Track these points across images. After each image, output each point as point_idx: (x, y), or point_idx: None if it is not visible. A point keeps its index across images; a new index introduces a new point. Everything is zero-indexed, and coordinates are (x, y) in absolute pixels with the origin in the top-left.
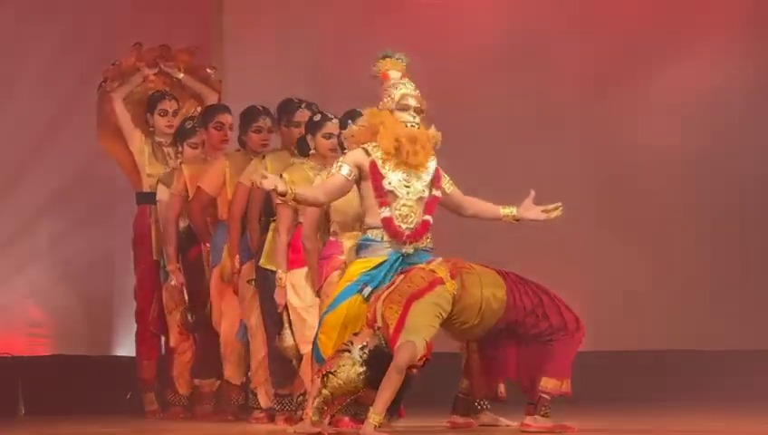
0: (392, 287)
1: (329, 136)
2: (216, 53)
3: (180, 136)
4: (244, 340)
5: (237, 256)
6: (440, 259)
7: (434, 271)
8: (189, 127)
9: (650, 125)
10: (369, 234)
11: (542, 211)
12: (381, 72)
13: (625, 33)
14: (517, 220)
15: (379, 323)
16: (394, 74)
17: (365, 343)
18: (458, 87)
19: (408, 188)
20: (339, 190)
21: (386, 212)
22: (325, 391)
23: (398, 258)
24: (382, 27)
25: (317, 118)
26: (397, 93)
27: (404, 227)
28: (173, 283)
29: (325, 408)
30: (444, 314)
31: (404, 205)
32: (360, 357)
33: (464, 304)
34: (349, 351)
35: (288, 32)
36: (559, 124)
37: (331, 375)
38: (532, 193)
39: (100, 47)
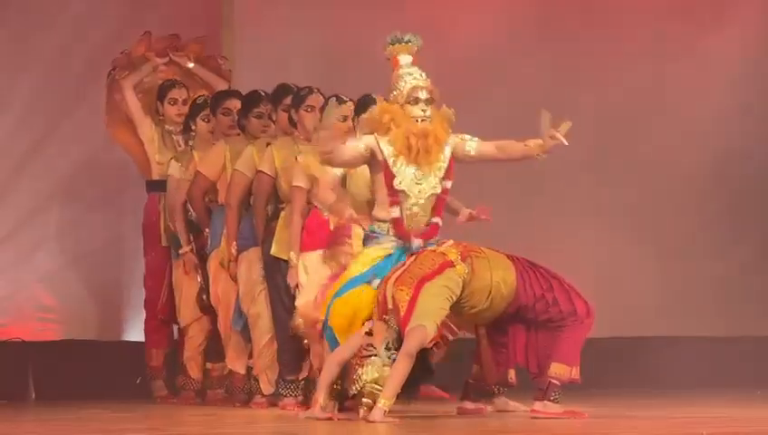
0: (402, 269)
1: (344, 119)
2: (227, 41)
3: (194, 111)
4: (237, 327)
5: (234, 243)
6: (451, 241)
7: (444, 253)
8: (201, 102)
9: (664, 113)
10: (377, 226)
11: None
12: (392, 58)
13: (647, 18)
14: (543, 154)
15: (390, 306)
16: (404, 59)
17: (387, 342)
18: (472, 69)
19: (420, 186)
20: (353, 159)
21: (395, 212)
22: (365, 400)
23: (403, 253)
24: (395, 14)
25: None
26: (406, 86)
27: (414, 228)
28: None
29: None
30: (454, 297)
31: (414, 204)
32: (389, 358)
33: (473, 287)
34: (376, 355)
35: (299, 20)
36: (572, 109)
37: (366, 384)
38: (545, 114)
39: (111, 35)
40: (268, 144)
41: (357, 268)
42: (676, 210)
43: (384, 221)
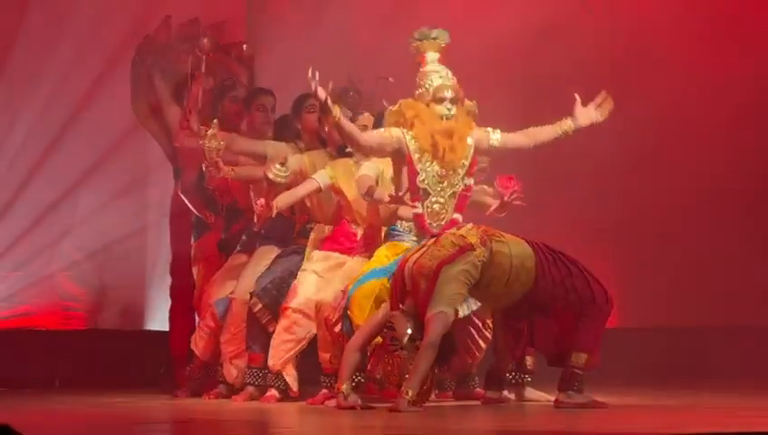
0: (422, 251)
1: (364, 128)
2: (252, 25)
3: (221, 92)
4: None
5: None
6: (470, 224)
7: (464, 236)
8: (229, 83)
9: (680, 107)
10: (399, 225)
11: (596, 108)
12: (418, 54)
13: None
14: (576, 130)
15: (408, 288)
16: (431, 56)
17: (408, 332)
18: (488, 68)
19: (443, 184)
20: (379, 146)
21: (418, 209)
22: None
23: None
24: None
25: (350, 114)
26: (432, 85)
27: (434, 225)
28: None
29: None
30: (472, 281)
31: (436, 202)
32: (416, 348)
33: (492, 272)
34: (403, 348)
35: (322, 6)
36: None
37: (395, 375)
38: (577, 97)
39: (136, 18)
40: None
41: (379, 260)
42: (711, 199)
43: (407, 220)
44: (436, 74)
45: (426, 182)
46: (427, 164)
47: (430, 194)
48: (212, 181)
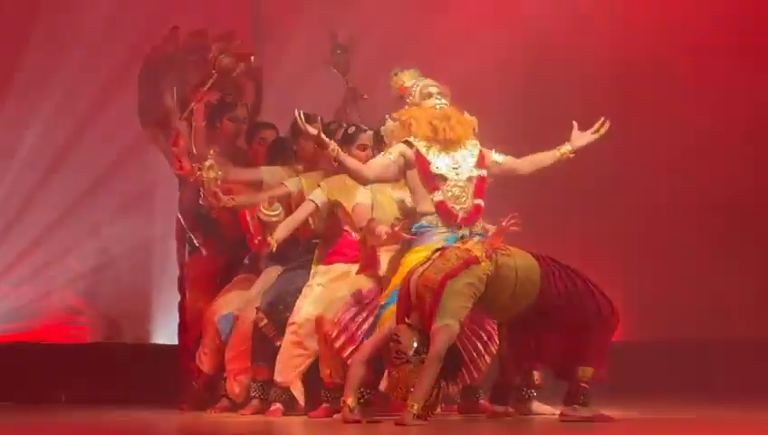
0: (428, 264)
1: (364, 148)
2: (256, 36)
3: (221, 109)
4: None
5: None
6: (476, 238)
7: (469, 250)
8: (230, 101)
9: (679, 116)
10: (424, 220)
11: (593, 133)
12: (399, 88)
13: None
14: (574, 153)
15: (414, 300)
16: (410, 82)
17: (414, 345)
18: (493, 83)
19: (457, 169)
20: (384, 170)
21: (438, 196)
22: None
23: (455, 242)
24: (420, 8)
25: (351, 130)
26: (417, 88)
27: (457, 208)
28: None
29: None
30: (478, 294)
31: (455, 186)
32: (422, 361)
33: (497, 285)
34: (408, 362)
35: (326, 15)
36: (588, 115)
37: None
38: (575, 124)
39: (143, 30)
40: (297, 173)
41: (402, 277)
42: (719, 208)
43: (430, 214)
44: (420, 81)
45: (440, 169)
46: (436, 155)
47: (447, 179)
48: (215, 212)
